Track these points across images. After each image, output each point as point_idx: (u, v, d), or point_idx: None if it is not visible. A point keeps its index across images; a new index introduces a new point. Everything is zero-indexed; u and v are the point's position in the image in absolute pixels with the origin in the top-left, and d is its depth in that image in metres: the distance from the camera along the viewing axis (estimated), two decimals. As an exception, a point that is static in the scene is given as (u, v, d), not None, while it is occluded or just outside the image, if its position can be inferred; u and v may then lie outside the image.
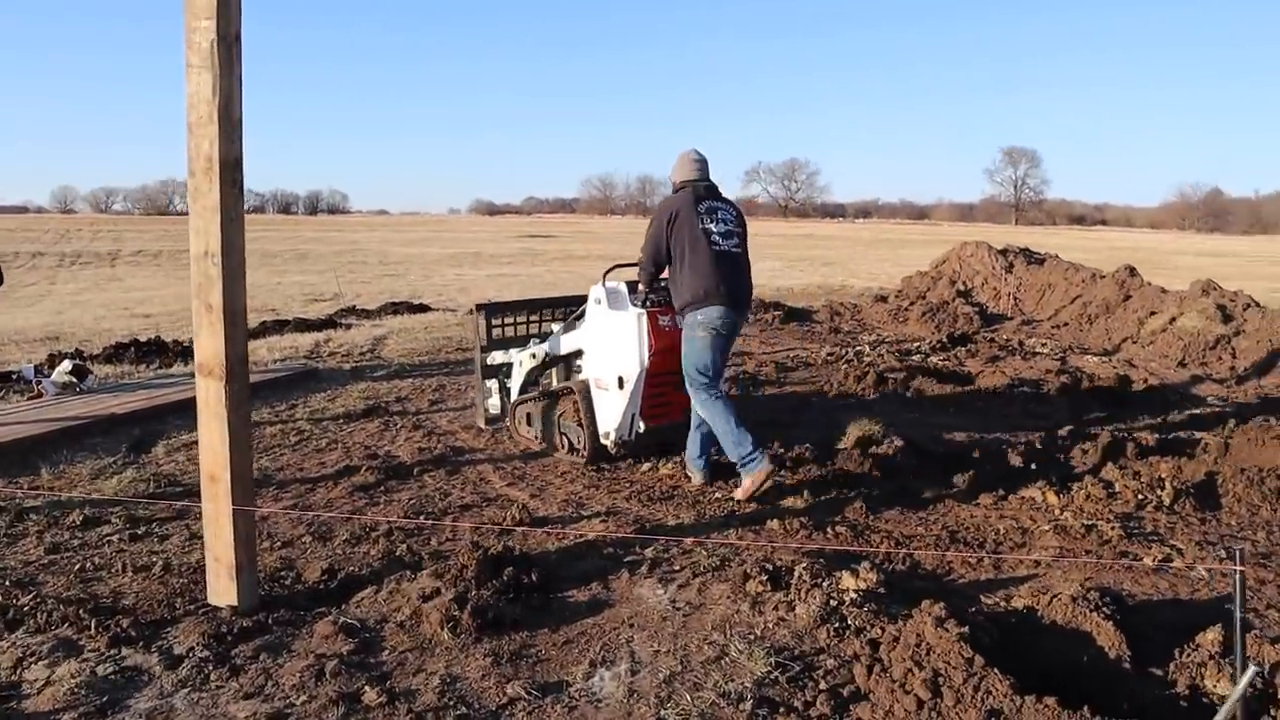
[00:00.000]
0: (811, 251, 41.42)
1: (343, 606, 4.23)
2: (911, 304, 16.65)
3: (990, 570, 4.78)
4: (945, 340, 12.73)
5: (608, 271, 6.54)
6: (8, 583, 4.45)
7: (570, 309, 7.39)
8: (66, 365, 8.61)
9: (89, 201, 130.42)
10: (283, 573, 4.61)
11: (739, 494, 5.68)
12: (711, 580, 4.46)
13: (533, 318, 7.71)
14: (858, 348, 12.47)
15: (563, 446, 6.69)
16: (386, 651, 3.80)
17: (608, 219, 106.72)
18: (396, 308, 16.33)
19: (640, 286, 6.11)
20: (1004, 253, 17.68)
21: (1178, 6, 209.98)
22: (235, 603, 4.11)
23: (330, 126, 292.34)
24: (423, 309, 16.47)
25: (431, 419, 8.03)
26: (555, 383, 7.00)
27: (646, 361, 6.03)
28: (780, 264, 31.60)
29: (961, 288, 16.94)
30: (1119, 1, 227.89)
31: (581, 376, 6.54)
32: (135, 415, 7.73)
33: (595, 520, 5.41)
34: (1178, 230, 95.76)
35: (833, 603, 4.09)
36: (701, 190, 5.83)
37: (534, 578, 4.34)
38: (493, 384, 7.53)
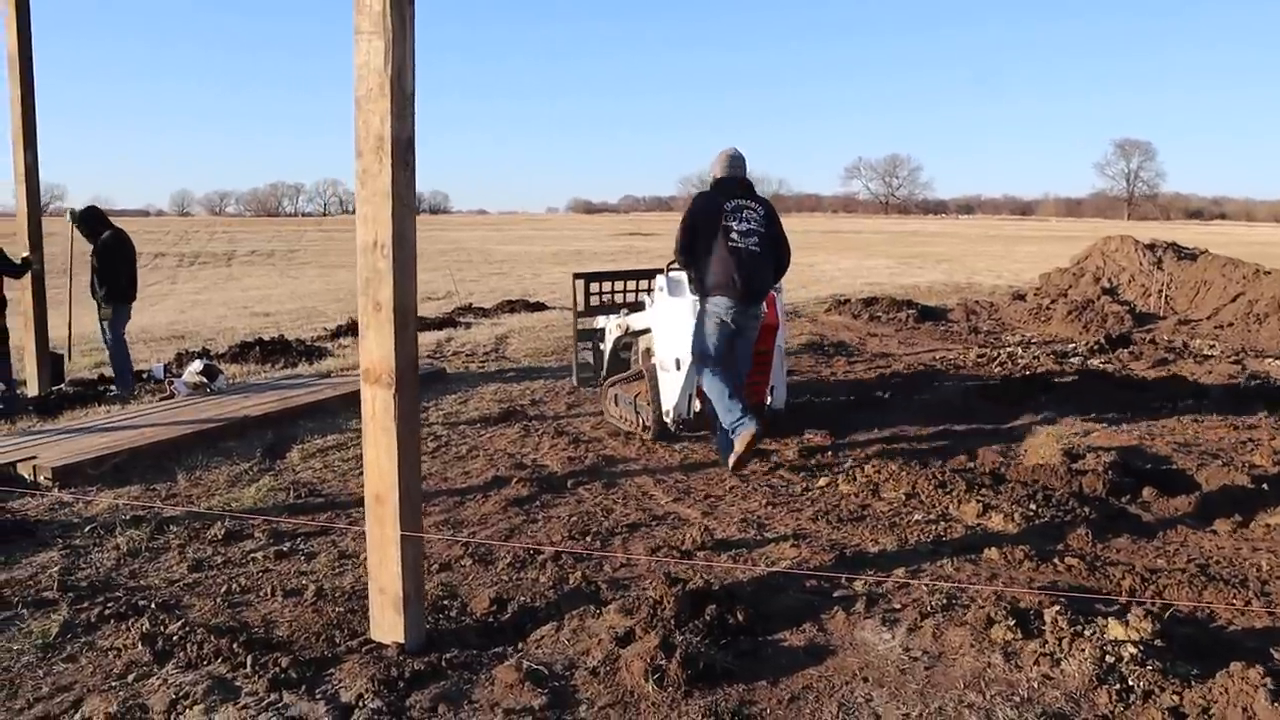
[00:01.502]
0: (920, 248, 40.09)
1: (521, 646, 3.69)
2: (1053, 302, 15.64)
3: (1265, 616, 4.02)
4: (1102, 341, 11.74)
5: (671, 262, 6.68)
6: (154, 605, 4.04)
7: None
8: (197, 365, 8.35)
9: (204, 205, 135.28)
10: (445, 602, 4.10)
11: (730, 460, 5.98)
12: (945, 623, 3.79)
13: (627, 286, 8.34)
14: (1007, 349, 11.59)
15: (638, 425, 6.96)
16: (584, 707, 3.23)
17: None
18: (513, 306, 15.95)
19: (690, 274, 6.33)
20: (1151, 247, 16.51)
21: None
22: (402, 639, 3.61)
23: (431, 126, 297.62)
24: (540, 307, 16.05)
25: (573, 424, 7.51)
26: (636, 356, 7.36)
27: (694, 339, 6.22)
28: (892, 261, 30.52)
29: (1106, 285, 15.85)
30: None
31: (652, 359, 6.85)
32: (268, 418, 7.39)
33: (784, 544, 4.79)
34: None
35: (1108, 658, 3.40)
36: (730, 190, 6.14)
37: (740, 617, 3.74)
38: (587, 347, 8.31)
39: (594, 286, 8.45)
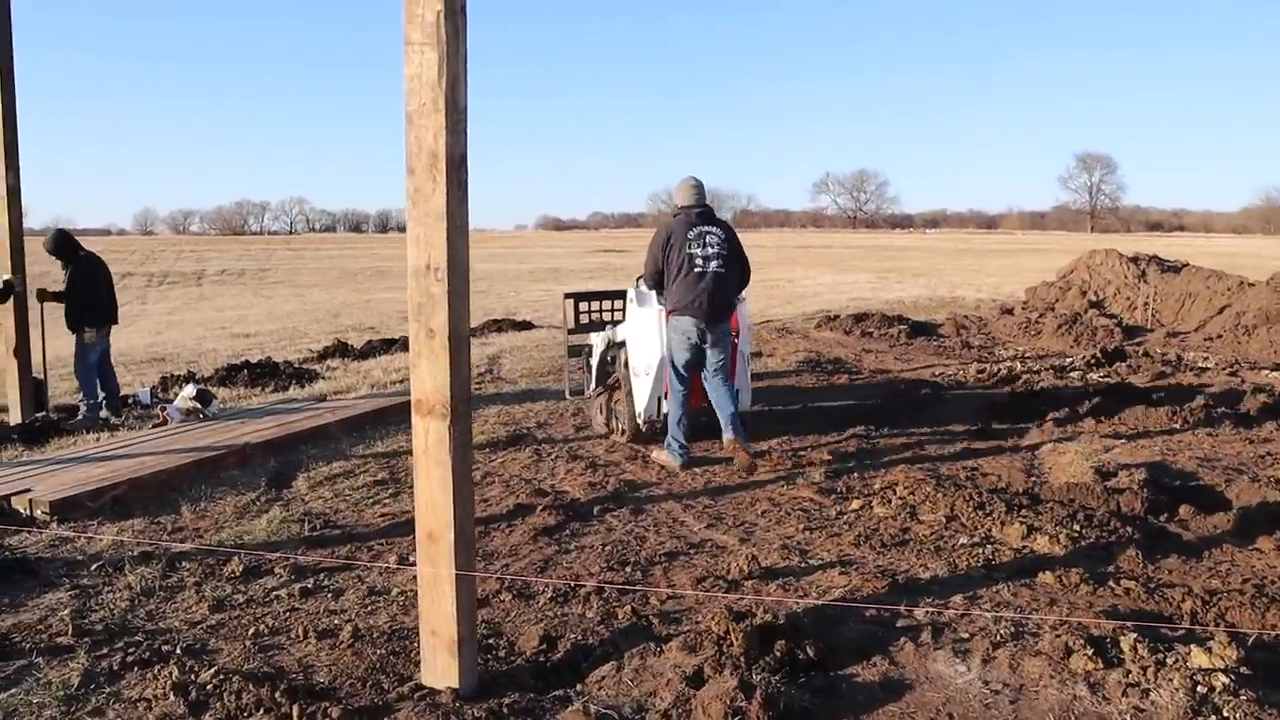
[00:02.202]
0: (895, 263, 40.26)
1: (580, 688, 3.48)
2: (1041, 316, 15.66)
3: (1338, 639, 3.90)
4: (1098, 355, 11.72)
5: (639, 278, 7.25)
6: (179, 650, 3.79)
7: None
8: (190, 390, 8.06)
9: (168, 223, 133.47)
10: (491, 640, 3.88)
11: (653, 455, 6.86)
12: (1019, 653, 3.63)
13: (614, 305, 8.73)
14: (1004, 364, 11.53)
15: (618, 429, 7.45)
16: (663, 756, 3.04)
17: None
18: (499, 325, 15.71)
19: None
20: (1134, 260, 16.60)
21: (1256, 4, 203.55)
22: (456, 684, 3.39)
23: (398, 144, 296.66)
24: (527, 325, 15.83)
25: (584, 447, 7.31)
26: (619, 368, 7.65)
27: (666, 351, 6.74)
28: (870, 276, 30.59)
29: (1093, 298, 15.91)
30: (1191, 2, 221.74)
31: (627, 368, 7.29)
32: (269, 444, 7.12)
33: (831, 572, 4.63)
34: (1263, 234, 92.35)
35: (1199, 689, 3.26)
36: (694, 217, 6.69)
37: (810, 652, 3.56)
38: (577, 362, 8.73)
39: (583, 305, 8.83)
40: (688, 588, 4.45)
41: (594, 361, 8.14)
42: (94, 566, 4.76)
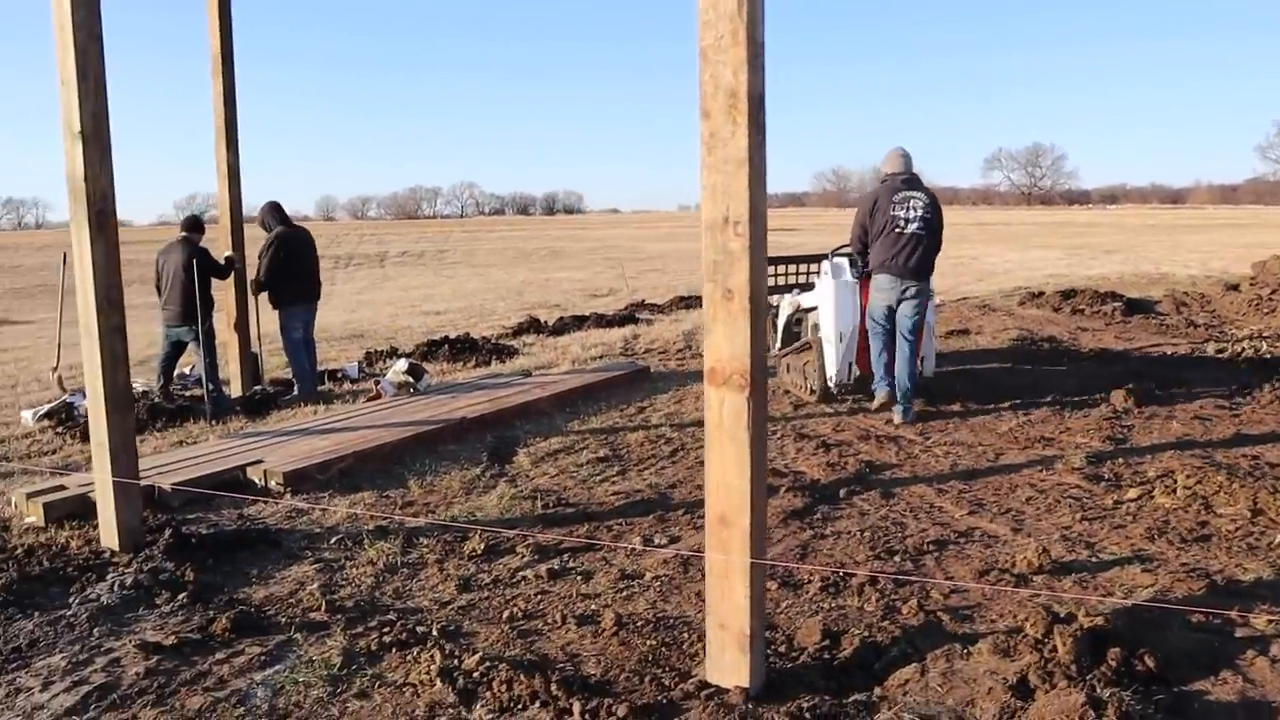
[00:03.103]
0: (1081, 239, 37.94)
1: (879, 692, 3.08)
2: (1274, 293, 14.24)
3: None
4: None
5: (838, 248, 7.84)
6: (434, 631, 3.58)
7: (817, 266, 8.68)
8: (402, 365, 8.05)
9: (347, 209, 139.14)
10: (766, 633, 3.51)
11: (873, 405, 7.27)
12: None
13: (792, 270, 9.19)
14: (1244, 343, 10.43)
15: (805, 389, 7.86)
16: (1007, 781, 2.60)
17: (843, 211, 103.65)
18: (687, 302, 15.40)
19: (857, 258, 7.40)
20: (1388, 230, 14.86)
21: None
22: (745, 683, 3.04)
23: (559, 125, 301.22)
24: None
25: (808, 426, 6.89)
26: (806, 330, 8.19)
27: (858, 319, 7.34)
28: (1059, 252, 28.85)
29: (1341, 273, 14.33)
30: None
31: (819, 333, 7.70)
32: (483, 420, 6.99)
33: (1131, 569, 4.07)
34: None
35: None
36: (899, 183, 7.06)
37: (1150, 664, 3.05)
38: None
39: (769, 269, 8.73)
40: (969, 580, 3.99)
41: (780, 324, 8.67)
42: (333, 540, 4.65)
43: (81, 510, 5.04)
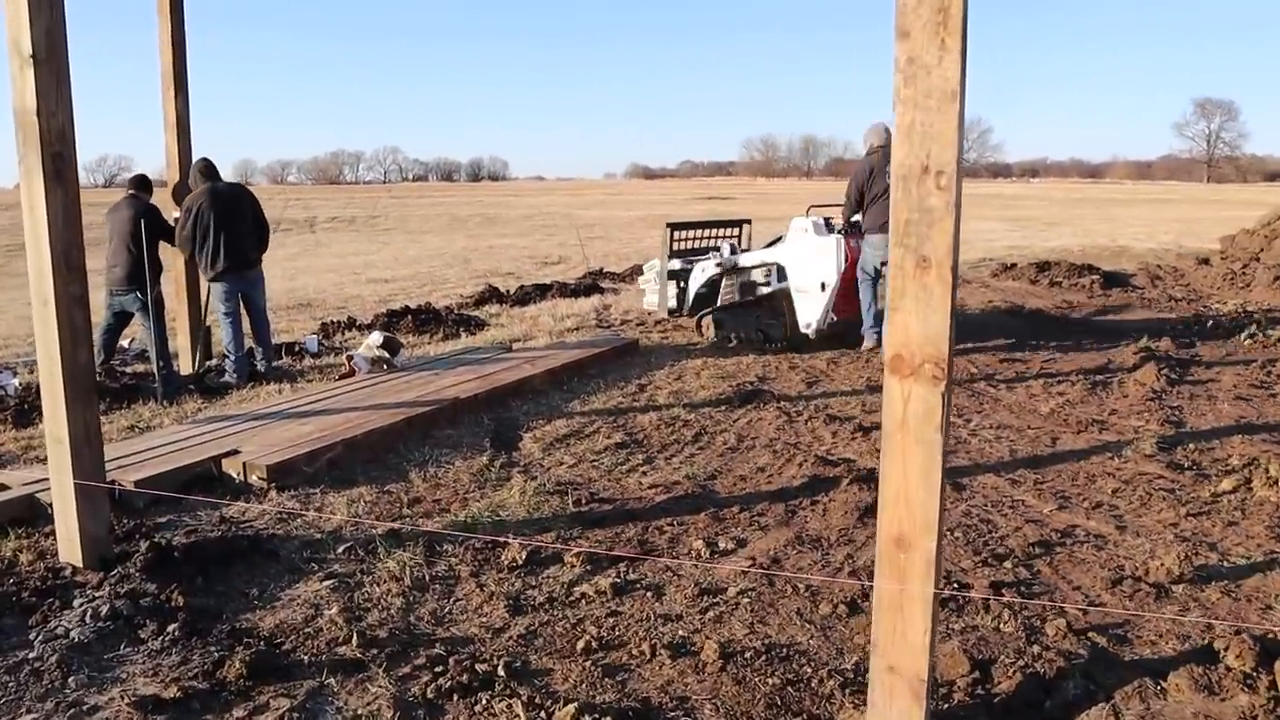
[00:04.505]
0: (1018, 212, 38.06)
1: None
2: (1245, 267, 14.11)
3: None
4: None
5: (810, 208, 8.89)
6: (501, 670, 2.92)
7: (735, 230, 9.85)
8: (376, 338, 7.27)
9: (266, 174, 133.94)
10: (898, 666, 2.94)
11: (862, 349, 8.14)
12: None
13: (705, 234, 9.69)
14: (1246, 320, 10.18)
15: (754, 340, 8.45)
16: None
17: (771, 181, 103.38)
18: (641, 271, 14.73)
19: (838, 221, 8.41)
20: (1349, 205, 14.88)
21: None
22: (917, 739, 2.46)
23: (483, 91, 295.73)
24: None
25: (831, 405, 6.34)
26: (734, 292, 8.73)
27: (843, 270, 8.07)
28: (1003, 225, 28.79)
29: (1306, 246, 14.26)
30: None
31: (782, 285, 8.34)
32: (477, 400, 6.29)
33: (1277, 575, 3.59)
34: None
35: None
36: (889, 154, 6.50)
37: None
38: (672, 285, 9.29)
39: (679, 234, 9.47)
40: (1101, 592, 3.47)
41: (691, 287, 9.12)
42: (340, 548, 3.94)
43: (28, 515, 4.25)
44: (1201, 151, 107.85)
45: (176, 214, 7.30)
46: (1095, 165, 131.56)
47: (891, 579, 2.43)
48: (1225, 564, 3.72)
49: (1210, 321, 9.79)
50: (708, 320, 8.87)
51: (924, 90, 2.25)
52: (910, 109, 2.27)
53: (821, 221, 8.35)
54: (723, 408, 6.30)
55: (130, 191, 7.19)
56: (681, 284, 9.23)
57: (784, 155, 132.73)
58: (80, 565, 3.73)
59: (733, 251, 9.23)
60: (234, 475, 4.84)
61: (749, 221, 10.10)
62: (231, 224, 7.14)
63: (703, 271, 9.06)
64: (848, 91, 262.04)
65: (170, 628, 3.20)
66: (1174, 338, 8.66)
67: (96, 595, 3.45)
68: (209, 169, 7.27)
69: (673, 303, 9.26)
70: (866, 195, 7.98)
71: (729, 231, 9.80)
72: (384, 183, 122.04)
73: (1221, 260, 14.88)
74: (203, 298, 7.55)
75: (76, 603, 3.41)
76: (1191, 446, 5.28)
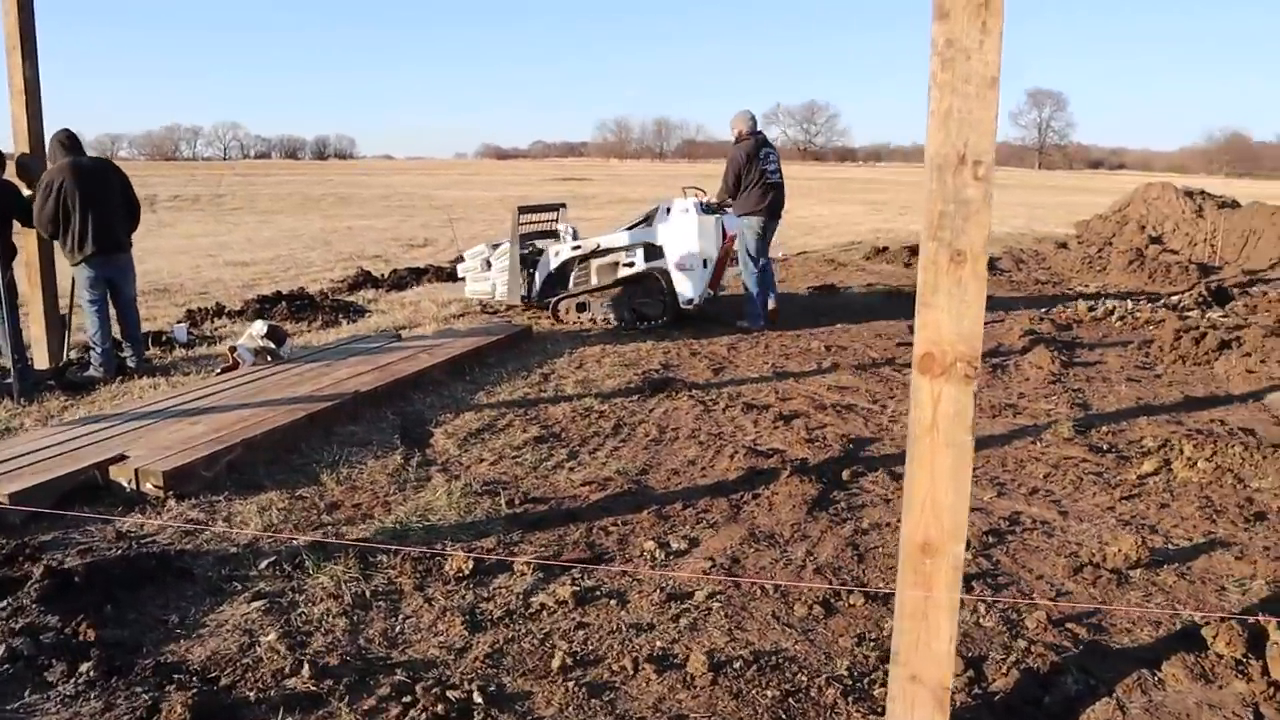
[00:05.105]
0: (872, 196, 39.15)
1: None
2: (1100, 251, 14.87)
3: None
4: (1204, 294, 10.85)
5: (686, 188, 8.91)
6: (477, 697, 2.68)
7: (554, 215, 9.82)
8: (260, 327, 6.75)
9: (94, 148, 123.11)
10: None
11: (746, 325, 8.56)
12: None
13: (547, 217, 9.69)
14: (1098, 301, 10.64)
15: (628, 321, 8.54)
16: None
17: (624, 162, 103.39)
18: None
19: (714, 201, 8.66)
20: (1190, 195, 15.84)
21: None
22: (939, 753, 2.36)
23: (327, 65, 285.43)
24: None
25: (743, 393, 6.26)
26: (595, 275, 8.85)
27: (722, 248, 8.55)
28: (859, 208, 29.57)
29: (1152, 233, 15.16)
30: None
31: (653, 264, 8.50)
32: (377, 393, 5.93)
33: (1221, 556, 3.70)
34: (1206, 174, 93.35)
35: None
36: (761, 139, 8.56)
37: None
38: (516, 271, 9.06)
39: (525, 218, 9.29)
40: (1064, 581, 3.48)
41: (540, 272, 9.06)
42: (262, 564, 3.59)
43: (-116, 536, 3.73)
44: (1034, 140, 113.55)
45: (30, 191, 6.62)
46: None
47: (916, 586, 2.32)
48: (1170, 547, 3.79)
49: (1084, 304, 10.19)
50: (567, 304, 8.83)
51: (963, 75, 2.12)
52: (947, 94, 2.14)
53: (683, 203, 8.53)
54: (635, 397, 6.13)
55: (-19, 166, 6.47)
56: (530, 270, 9.10)
57: (637, 137, 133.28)
58: (-43, 596, 3.27)
59: (574, 236, 9.32)
60: (124, 484, 4.38)
61: (564, 205, 10.23)
62: (98, 203, 6.53)
63: (556, 255, 9.01)
64: (696, 78, 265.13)
65: (83, 667, 2.82)
66: (1051, 321, 8.96)
67: (-14, 631, 3.02)
68: (71, 141, 6.62)
69: (522, 290, 9.06)
70: (744, 179, 8.32)
71: (550, 216, 9.76)
72: (224, 159, 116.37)
73: (1079, 244, 15.61)
74: (63, 284, 6.90)
75: (-37, 642, 2.97)
76: (1104, 429, 5.42)
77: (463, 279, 9.73)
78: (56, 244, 6.72)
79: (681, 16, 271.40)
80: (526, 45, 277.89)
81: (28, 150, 6.72)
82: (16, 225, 6.55)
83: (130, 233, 6.94)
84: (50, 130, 6.79)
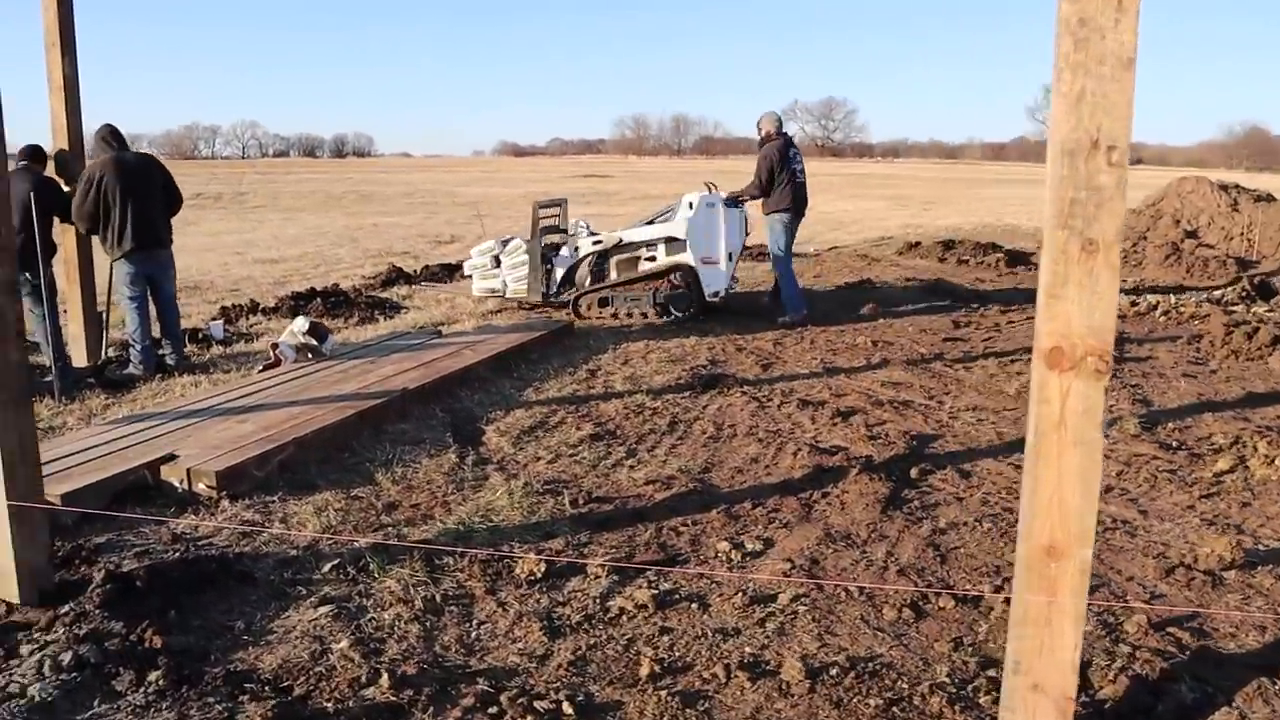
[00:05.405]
0: (894, 190, 38.98)
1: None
2: (1135, 245, 14.60)
3: None
4: (1247, 289, 10.64)
5: (708, 184, 9.03)
6: (564, 704, 2.56)
7: (557, 210, 9.51)
8: (302, 324, 6.67)
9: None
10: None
11: (785, 321, 8.49)
12: None
13: (552, 212, 9.37)
14: (1144, 296, 10.46)
15: (652, 316, 8.47)
16: None
17: (642, 159, 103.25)
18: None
19: (741, 196, 8.73)
20: (1224, 189, 15.57)
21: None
22: (1063, 769, 2.23)
23: (347, 66, 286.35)
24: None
25: (796, 389, 6.13)
26: (616, 270, 8.79)
27: (744, 241, 8.89)
28: (882, 204, 29.36)
29: (1187, 228, 14.86)
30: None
31: (675, 258, 8.47)
32: (425, 390, 5.83)
33: (1327, 561, 3.53)
34: (1226, 168, 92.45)
35: None
36: (789, 139, 8.82)
37: None
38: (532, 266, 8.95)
39: (543, 213, 9.10)
40: (1156, 583, 3.34)
41: (560, 267, 8.91)
42: (325, 567, 3.49)
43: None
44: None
45: (68, 187, 6.56)
46: (953, 146, 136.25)
47: (1040, 591, 2.19)
48: (1261, 548, 3.65)
49: (1128, 299, 10.01)
50: (589, 300, 8.73)
51: (1096, 56, 1.98)
52: (1080, 76, 2.00)
53: (705, 197, 8.58)
54: (686, 394, 6.02)
55: (22, 162, 6.41)
56: (548, 266, 8.95)
57: (655, 134, 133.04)
58: (17, 602, 3.19)
59: (588, 230, 9.17)
60: (175, 484, 4.29)
61: (565, 201, 10.00)
62: (139, 198, 6.46)
63: (575, 251, 8.92)
64: (715, 75, 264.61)
65: (152, 676, 2.72)
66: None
67: (50, 640, 2.93)
68: (115, 136, 6.57)
69: (542, 286, 8.91)
70: (776, 177, 8.45)
71: (553, 211, 9.55)
72: (243, 158, 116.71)
73: (1111, 238, 15.36)
74: (101, 280, 6.84)
75: (26, 650, 2.88)
76: (1170, 425, 5.27)
77: (468, 277, 9.62)
78: (95, 240, 6.66)
79: (699, 13, 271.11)
80: (543, 42, 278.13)
81: (66, 147, 6.65)
82: (56, 223, 6.49)
83: (170, 228, 6.87)
84: (90, 127, 6.73)
